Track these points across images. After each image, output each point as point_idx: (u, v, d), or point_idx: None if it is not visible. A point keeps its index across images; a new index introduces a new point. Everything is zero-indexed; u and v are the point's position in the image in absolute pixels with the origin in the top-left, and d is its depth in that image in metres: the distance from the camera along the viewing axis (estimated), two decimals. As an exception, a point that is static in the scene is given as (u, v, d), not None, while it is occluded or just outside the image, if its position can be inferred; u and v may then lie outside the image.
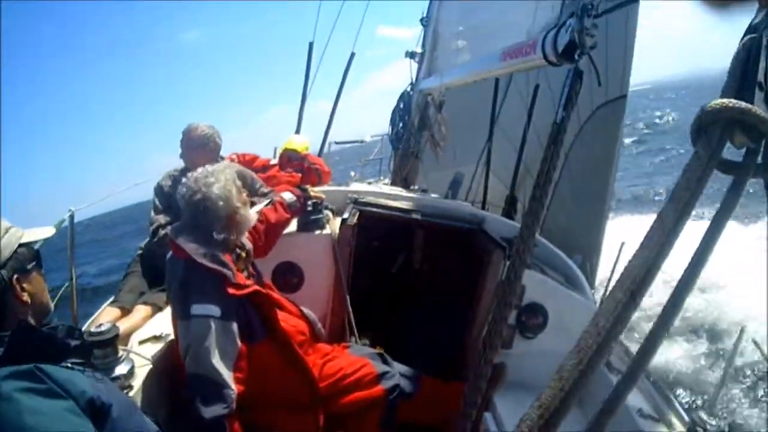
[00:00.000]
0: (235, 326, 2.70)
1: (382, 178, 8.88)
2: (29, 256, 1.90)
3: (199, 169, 3.01)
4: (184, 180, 2.97)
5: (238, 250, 3.04)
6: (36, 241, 1.96)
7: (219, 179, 2.92)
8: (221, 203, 2.86)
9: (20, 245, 1.86)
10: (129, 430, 1.79)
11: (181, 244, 2.75)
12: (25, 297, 1.83)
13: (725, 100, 0.92)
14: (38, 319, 1.90)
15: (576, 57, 2.54)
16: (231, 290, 2.70)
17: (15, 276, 1.81)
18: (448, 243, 4.66)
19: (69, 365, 1.73)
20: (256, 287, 2.87)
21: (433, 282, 5.05)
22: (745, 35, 0.98)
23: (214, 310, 2.64)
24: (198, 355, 2.59)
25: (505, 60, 3.42)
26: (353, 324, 3.83)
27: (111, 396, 1.76)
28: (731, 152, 0.97)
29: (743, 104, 0.91)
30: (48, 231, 2.10)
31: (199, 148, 4.52)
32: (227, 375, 2.61)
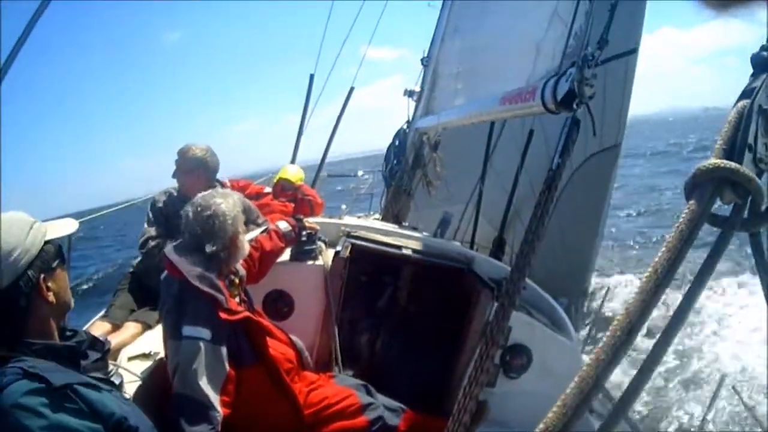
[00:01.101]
0: (224, 350, 2.73)
1: (372, 213, 8.94)
2: (53, 254, 1.87)
3: (208, 191, 3.11)
4: (191, 201, 3.04)
5: (231, 276, 3.09)
6: (59, 237, 1.93)
7: (227, 201, 3.03)
8: (229, 222, 2.94)
9: (45, 242, 1.83)
10: None
11: (177, 264, 2.80)
12: (51, 297, 1.81)
13: (718, 161, 1.00)
14: (58, 319, 1.89)
15: (574, 106, 2.61)
16: (223, 315, 2.75)
17: (42, 276, 1.78)
18: (436, 280, 4.70)
19: (94, 383, 1.75)
20: (247, 314, 2.92)
21: (418, 318, 5.08)
22: (738, 100, 1.06)
23: (205, 333, 2.67)
24: (186, 376, 2.61)
25: (504, 104, 3.50)
26: (338, 355, 3.84)
27: (137, 418, 1.79)
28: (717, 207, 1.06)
29: (733, 165, 0.99)
30: (71, 225, 2.07)
31: (191, 171, 4.59)
32: (214, 397, 2.63)
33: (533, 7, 4.17)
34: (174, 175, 4.73)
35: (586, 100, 2.60)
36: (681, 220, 0.97)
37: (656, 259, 0.95)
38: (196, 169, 4.64)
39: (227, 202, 3.01)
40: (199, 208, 2.95)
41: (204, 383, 2.61)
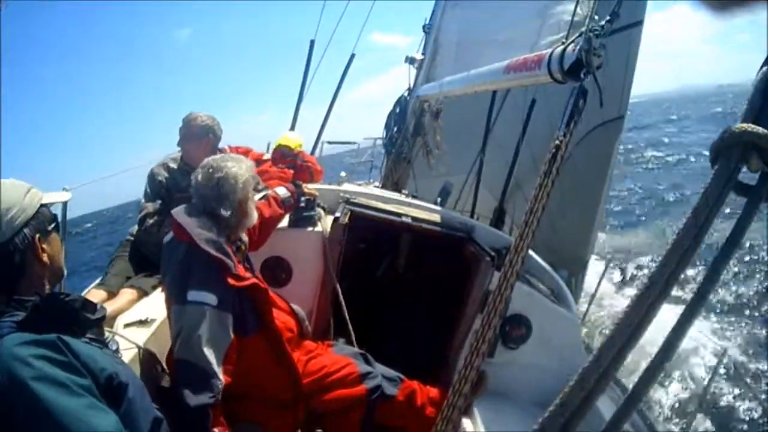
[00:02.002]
0: (230, 317, 2.70)
1: (372, 180, 8.91)
2: (49, 218, 1.91)
3: (219, 155, 3.08)
4: (202, 163, 3.01)
5: (238, 242, 3.06)
6: (54, 203, 1.97)
7: (240, 165, 2.99)
8: (240, 185, 2.92)
9: (41, 205, 1.87)
10: (142, 410, 1.81)
11: (185, 226, 2.75)
12: (45, 258, 1.84)
13: (745, 125, 0.96)
14: (52, 283, 1.92)
15: (582, 76, 2.57)
16: (231, 281, 2.71)
17: (37, 236, 1.82)
18: (435, 249, 4.68)
19: (87, 340, 1.75)
20: (255, 280, 2.88)
21: (416, 287, 5.06)
22: (764, 65, 1.02)
23: (211, 298, 2.64)
24: (189, 342, 2.58)
25: (509, 73, 3.45)
26: (348, 321, 3.82)
27: (128, 376, 1.78)
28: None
29: (761, 129, 0.95)
30: (64, 195, 2.10)
31: (199, 138, 4.54)
32: (216, 365, 2.60)
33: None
34: (179, 144, 4.67)
35: (594, 69, 2.57)
36: (707, 186, 0.94)
37: (681, 227, 0.92)
38: (204, 136, 4.60)
39: (239, 166, 2.97)
40: (210, 170, 2.91)
41: (208, 350, 2.58)
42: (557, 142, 2.48)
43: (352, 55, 9.20)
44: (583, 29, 2.59)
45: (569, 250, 6.32)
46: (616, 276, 13.29)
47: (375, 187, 7.08)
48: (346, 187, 4.80)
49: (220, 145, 4.90)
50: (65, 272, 2.04)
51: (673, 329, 0.89)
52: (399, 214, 4.20)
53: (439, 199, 6.33)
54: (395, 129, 7.09)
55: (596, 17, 2.64)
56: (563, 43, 2.82)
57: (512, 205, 6.47)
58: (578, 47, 2.58)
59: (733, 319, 10.95)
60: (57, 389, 1.50)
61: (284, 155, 6.28)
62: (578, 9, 2.94)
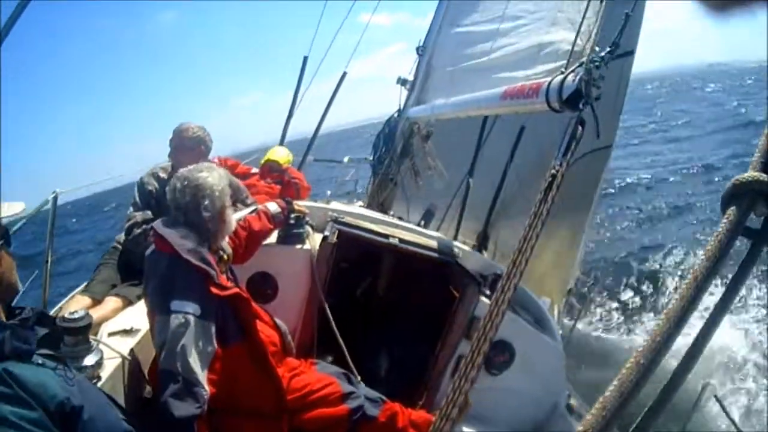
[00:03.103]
0: (213, 327, 2.70)
1: (355, 200, 8.92)
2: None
3: (192, 165, 3.08)
4: (176, 174, 3.01)
5: (220, 252, 3.06)
6: (4, 218, 1.88)
7: (213, 174, 3.00)
8: (217, 194, 2.92)
9: None
10: (105, 428, 1.76)
11: (167, 238, 2.75)
12: None
13: (755, 174, 1.01)
14: (4, 299, 1.81)
15: (580, 106, 2.60)
16: (214, 290, 2.72)
17: None
18: (418, 272, 4.69)
19: (39, 361, 1.68)
20: (238, 290, 2.89)
21: (397, 308, 5.08)
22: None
23: (195, 308, 2.64)
24: (174, 352, 2.56)
25: (505, 99, 3.48)
26: (339, 340, 3.80)
27: (84, 396, 1.72)
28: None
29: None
30: (17, 206, 2.01)
31: (190, 150, 4.54)
32: (201, 375, 2.59)
33: (536, 7, 4.16)
34: (170, 155, 4.66)
35: (593, 100, 2.60)
36: (719, 230, 1.00)
37: (695, 268, 0.98)
38: (196, 147, 4.61)
39: (213, 176, 2.99)
40: (185, 182, 2.92)
41: (193, 360, 2.57)
42: (554, 171, 2.51)
43: (344, 74, 9.25)
44: (584, 59, 2.63)
45: (552, 277, 6.34)
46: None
47: (360, 206, 7.10)
48: (334, 205, 4.80)
49: (210, 155, 4.91)
50: (20, 288, 1.93)
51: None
52: (386, 236, 4.21)
53: (423, 222, 6.35)
54: (383, 149, 7.11)
55: (597, 48, 2.68)
56: (562, 73, 2.85)
57: (496, 231, 6.50)
58: (578, 77, 2.61)
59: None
60: (4, 429, 1.46)
61: (272, 170, 6.30)
62: (578, 39, 2.97)
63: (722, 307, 0.98)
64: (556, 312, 6.35)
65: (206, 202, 2.89)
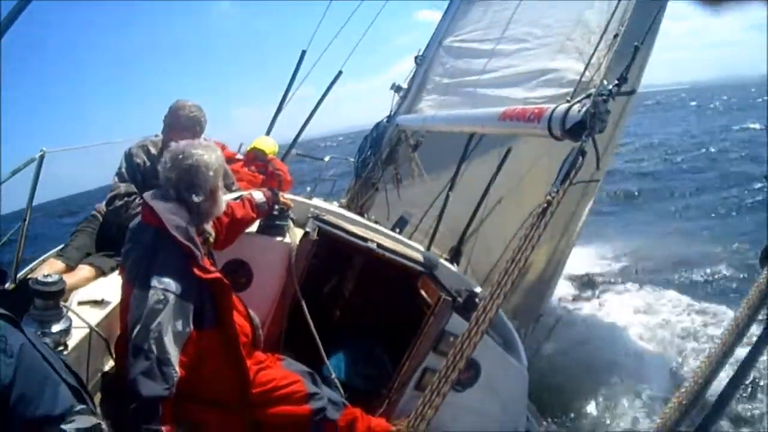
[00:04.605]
0: (191, 308, 2.65)
1: (332, 199, 8.90)
2: None
3: (188, 141, 3.06)
4: (171, 147, 2.97)
5: (206, 234, 3.02)
6: None
7: (210, 154, 2.96)
8: (211, 173, 2.89)
9: None
10: (25, 416, 1.68)
11: (157, 211, 2.70)
12: None
13: None
14: None
15: (583, 137, 2.62)
16: (197, 271, 2.66)
17: None
18: (386, 278, 4.68)
19: None
20: (219, 275, 2.83)
21: (360, 312, 5.07)
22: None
23: (175, 286, 2.59)
24: (149, 328, 2.51)
25: (504, 120, 3.49)
26: (315, 335, 3.76)
27: (18, 370, 1.65)
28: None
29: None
30: None
31: (186, 129, 4.44)
32: (174, 356, 2.54)
33: (543, 32, 4.19)
34: (164, 132, 4.59)
35: (596, 133, 2.62)
36: (759, 281, 1.04)
37: (737, 314, 1.02)
38: (191, 127, 4.52)
39: (209, 155, 2.95)
40: (180, 156, 2.87)
41: (168, 339, 2.52)
42: (549, 198, 2.53)
43: (339, 72, 9.24)
44: (591, 91, 2.65)
45: (523, 303, 6.38)
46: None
47: (339, 207, 7.08)
48: (316, 201, 4.78)
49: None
50: None
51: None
52: (365, 239, 4.19)
53: (397, 229, 6.35)
54: (369, 153, 7.11)
55: (605, 82, 2.70)
56: (567, 101, 2.87)
57: (469, 248, 6.51)
58: (584, 108, 2.63)
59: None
60: None
61: (257, 158, 6.27)
62: (586, 71, 3.00)
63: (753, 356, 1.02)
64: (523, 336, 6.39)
65: (200, 181, 2.85)
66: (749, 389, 7.91)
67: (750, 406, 7.77)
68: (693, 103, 64.66)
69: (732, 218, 17.23)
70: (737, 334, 0.96)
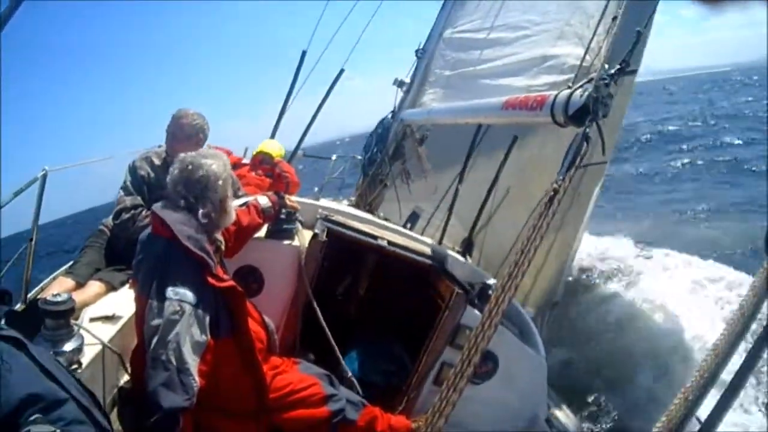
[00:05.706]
0: (207, 317, 2.64)
1: (341, 198, 8.90)
2: None
3: (196, 151, 3.04)
4: (180, 158, 2.94)
5: (217, 242, 3.02)
6: None
7: (218, 162, 2.95)
8: (220, 182, 2.88)
9: None
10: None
11: (168, 222, 2.68)
12: None
13: None
14: None
15: (586, 123, 2.59)
16: (210, 280, 2.66)
17: None
18: (400, 275, 4.67)
19: None
20: (233, 283, 2.82)
21: (377, 309, 5.06)
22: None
23: (191, 296, 2.58)
24: (166, 340, 2.49)
25: (506, 110, 3.46)
26: (330, 338, 3.76)
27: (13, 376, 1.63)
28: None
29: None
30: None
31: (188, 138, 4.43)
32: (193, 365, 2.53)
33: (542, 19, 4.16)
34: (167, 141, 4.58)
35: (599, 118, 2.59)
36: (765, 267, 1.00)
37: (743, 302, 0.99)
38: (195, 136, 4.50)
39: (217, 164, 2.93)
40: (189, 167, 2.85)
41: (187, 349, 2.51)
42: (556, 185, 2.50)
43: (341, 70, 9.22)
44: (593, 75, 2.62)
45: (539, 290, 6.35)
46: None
47: (347, 205, 7.07)
48: (323, 202, 4.77)
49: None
50: None
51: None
52: (375, 237, 4.18)
53: (408, 224, 6.33)
54: (375, 150, 7.09)
55: (606, 66, 2.67)
56: (569, 87, 2.83)
57: (481, 239, 6.48)
58: (586, 93, 2.60)
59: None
60: None
61: (263, 162, 6.27)
62: (587, 55, 2.97)
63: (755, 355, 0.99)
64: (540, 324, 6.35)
65: (210, 191, 2.84)
66: (756, 381, 7.84)
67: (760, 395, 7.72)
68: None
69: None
70: (743, 323, 0.94)
